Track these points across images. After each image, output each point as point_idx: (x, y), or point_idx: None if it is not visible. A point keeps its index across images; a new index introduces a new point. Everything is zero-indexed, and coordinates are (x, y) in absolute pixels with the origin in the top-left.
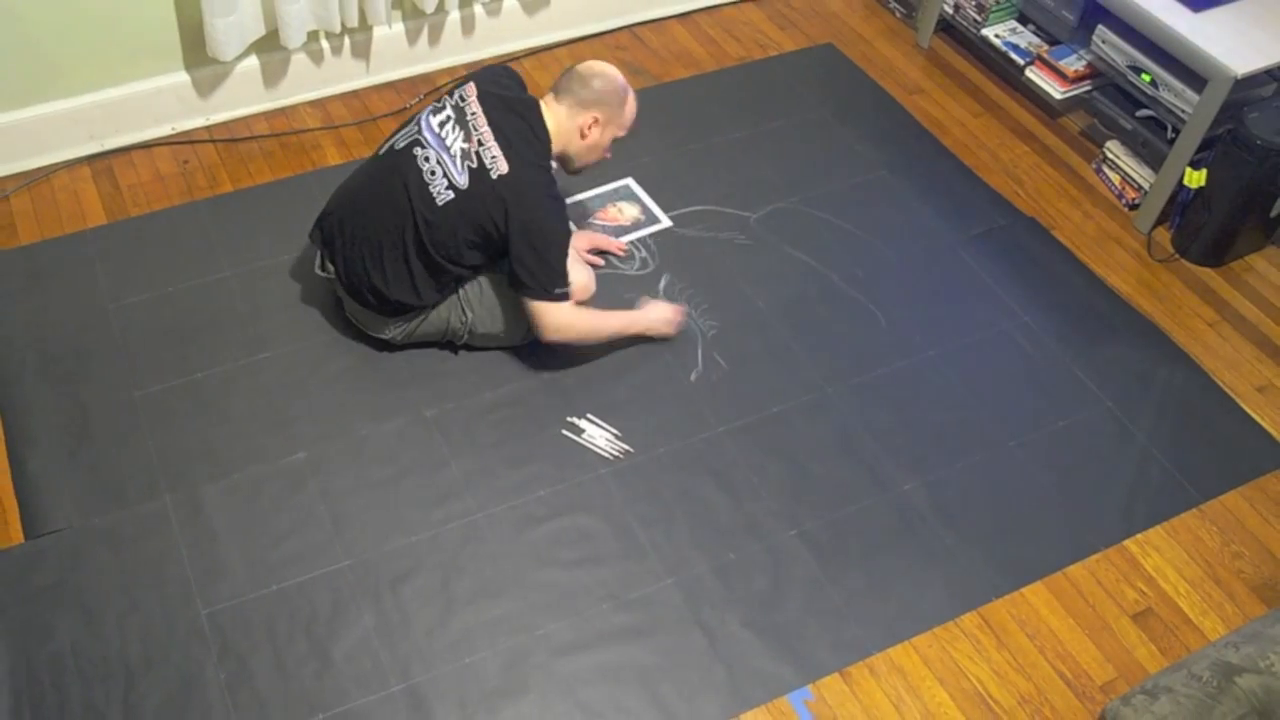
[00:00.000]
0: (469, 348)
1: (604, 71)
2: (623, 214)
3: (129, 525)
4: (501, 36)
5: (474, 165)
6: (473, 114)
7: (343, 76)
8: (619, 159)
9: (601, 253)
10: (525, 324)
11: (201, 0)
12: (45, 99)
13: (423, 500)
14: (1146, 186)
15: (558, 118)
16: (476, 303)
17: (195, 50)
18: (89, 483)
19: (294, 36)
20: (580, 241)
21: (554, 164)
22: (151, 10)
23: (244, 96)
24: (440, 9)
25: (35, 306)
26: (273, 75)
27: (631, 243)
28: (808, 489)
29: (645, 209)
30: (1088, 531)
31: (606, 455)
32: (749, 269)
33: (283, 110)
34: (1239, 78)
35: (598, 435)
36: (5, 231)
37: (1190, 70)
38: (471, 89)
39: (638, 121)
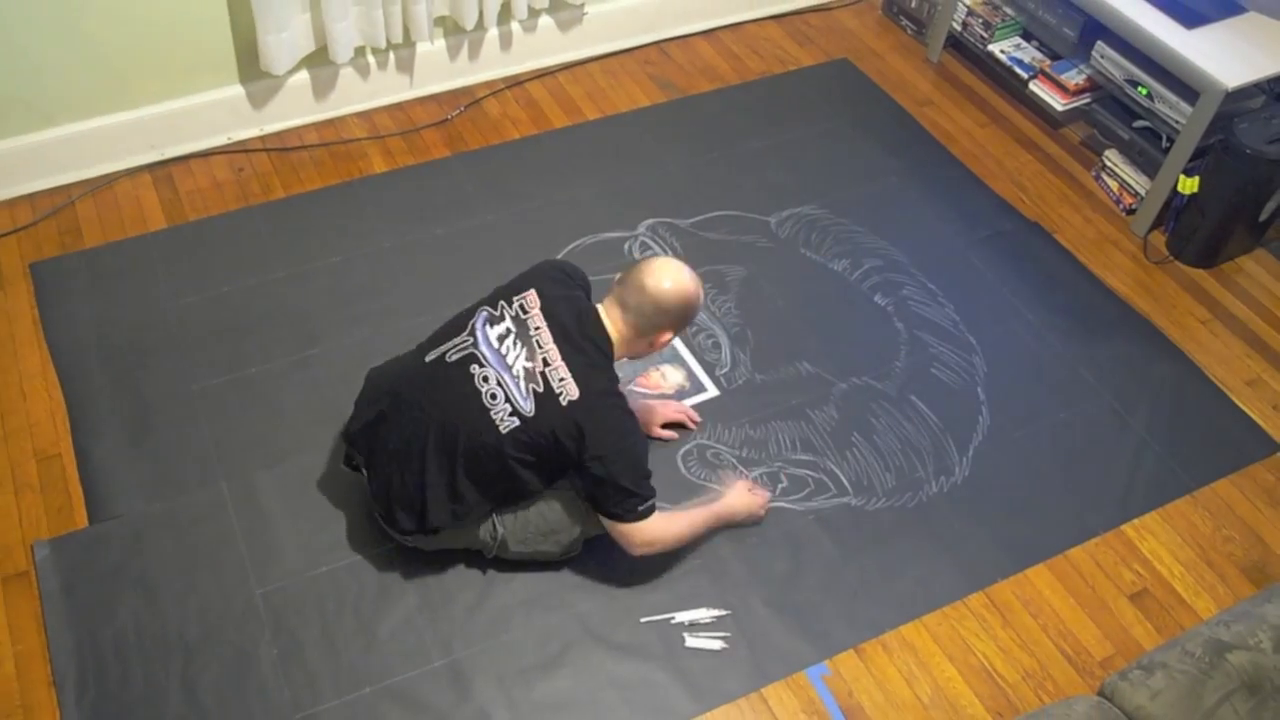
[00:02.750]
0: (500, 560)
1: (681, 288)
2: (666, 380)
3: (187, 510)
4: (537, 52)
5: (540, 390)
6: (536, 329)
7: (388, 89)
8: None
9: (676, 425)
10: (562, 546)
11: (255, 18)
12: (109, 111)
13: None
14: (1143, 193)
15: (623, 334)
16: (511, 520)
17: (249, 65)
18: (150, 470)
19: (342, 52)
20: (652, 418)
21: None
22: (209, 28)
23: (295, 108)
24: (479, 26)
25: (99, 306)
26: (322, 88)
27: (656, 243)
28: (825, 477)
29: (690, 374)
30: (1088, 516)
31: (716, 645)
32: (769, 270)
33: (331, 121)
34: (1230, 90)
35: (702, 631)
36: (71, 235)
37: (1184, 84)
38: (534, 298)
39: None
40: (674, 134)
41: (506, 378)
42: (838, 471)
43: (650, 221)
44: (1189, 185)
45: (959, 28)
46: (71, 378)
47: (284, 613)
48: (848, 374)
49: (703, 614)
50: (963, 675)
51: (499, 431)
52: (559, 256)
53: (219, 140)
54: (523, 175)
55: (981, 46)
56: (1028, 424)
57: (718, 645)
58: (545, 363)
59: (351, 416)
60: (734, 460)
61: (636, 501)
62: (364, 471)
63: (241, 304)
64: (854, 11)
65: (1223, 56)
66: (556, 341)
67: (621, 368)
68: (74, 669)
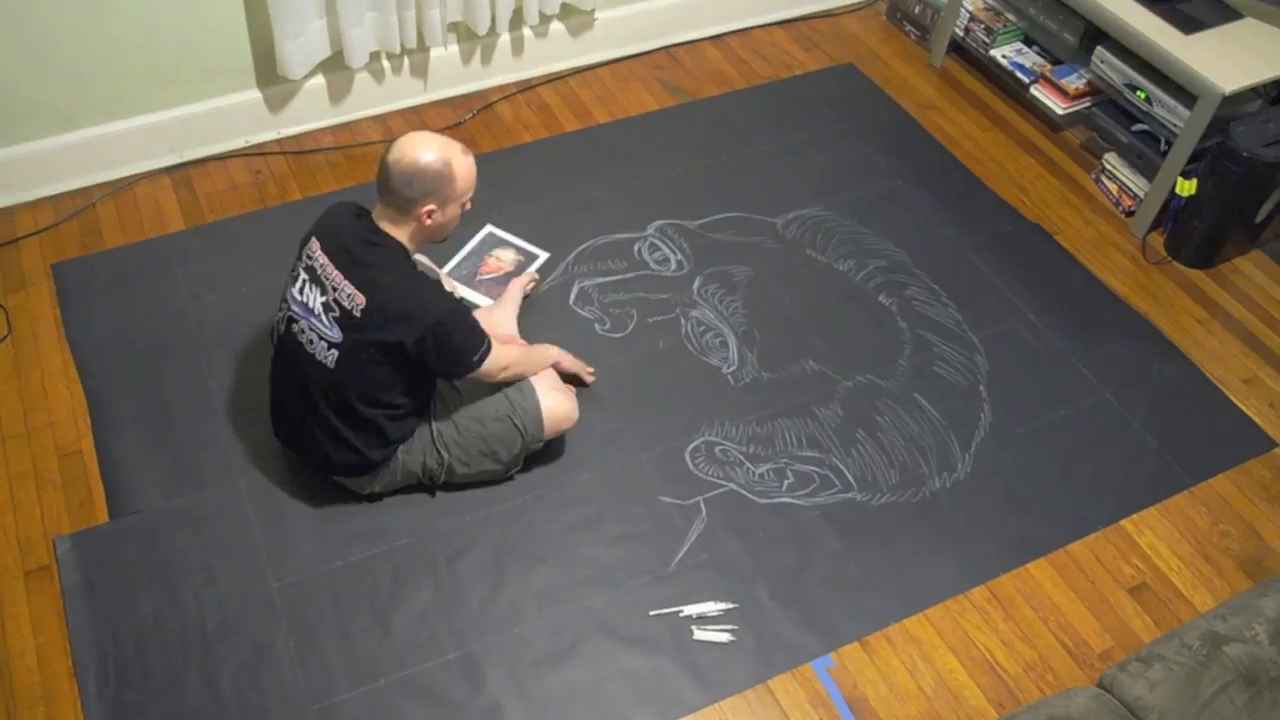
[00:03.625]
0: (448, 486)
1: (413, 156)
2: (503, 261)
3: (206, 506)
4: (548, 57)
5: (338, 314)
6: (322, 265)
7: (402, 94)
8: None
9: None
10: (504, 463)
11: (273, 24)
12: (130, 115)
13: (476, 482)
14: (1141, 195)
15: (395, 223)
16: (454, 444)
17: (267, 70)
18: (169, 466)
19: (358, 57)
20: (550, 374)
21: (419, 256)
22: (227, 34)
23: (311, 112)
24: (492, 31)
25: (120, 305)
26: (338, 92)
27: (665, 244)
28: (830, 473)
29: (519, 249)
30: (1087, 512)
31: (723, 638)
32: (775, 270)
33: (347, 125)
34: (1226, 95)
35: (710, 624)
36: (92, 236)
37: (1182, 88)
38: (315, 244)
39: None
40: (682, 137)
41: (312, 320)
42: (843, 467)
43: (659, 223)
44: (1187, 187)
45: (961, 33)
46: (92, 375)
47: (300, 606)
48: (853, 372)
49: (710, 607)
50: (965, 667)
51: (327, 367)
52: (570, 257)
53: (237, 143)
54: (534, 177)
55: (983, 51)
56: (1029, 421)
57: (725, 638)
58: (334, 289)
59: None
60: (741, 456)
61: (475, 348)
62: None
63: (259, 304)
64: (859, 17)
65: (1220, 61)
66: (340, 268)
67: (459, 265)
68: (94, 661)
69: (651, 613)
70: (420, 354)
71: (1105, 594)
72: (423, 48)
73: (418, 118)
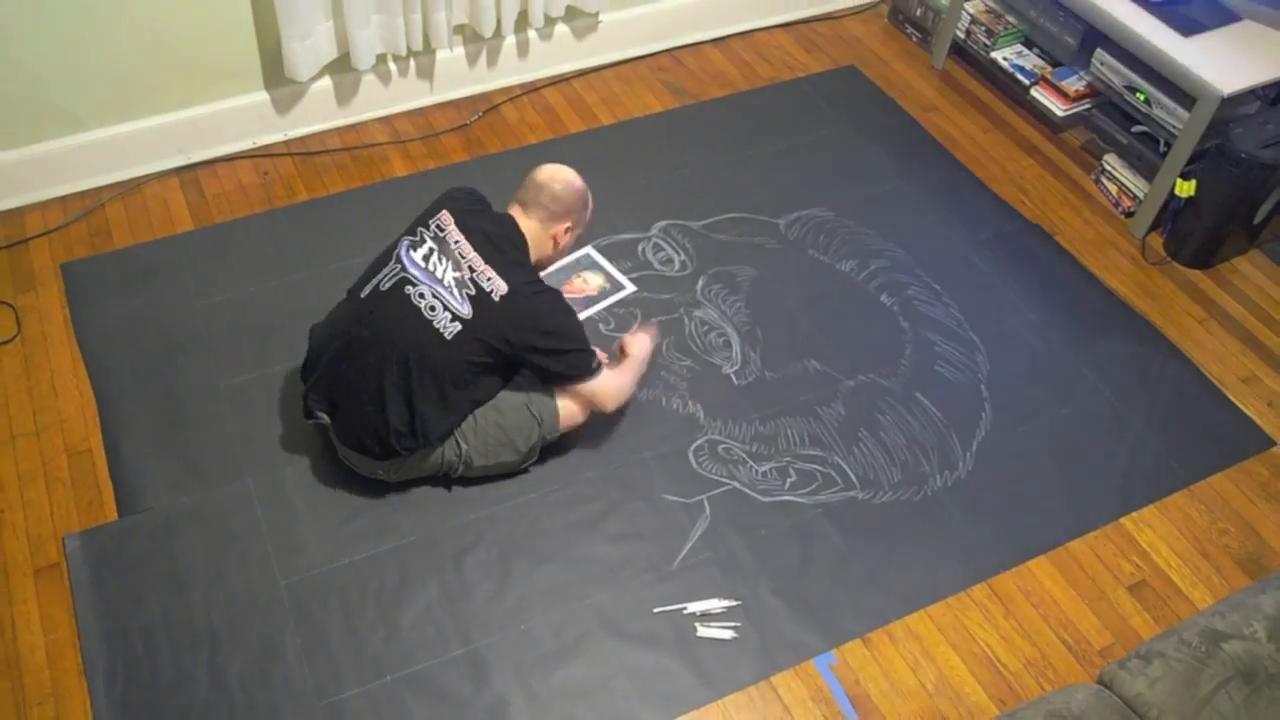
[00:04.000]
0: (464, 480)
1: (568, 179)
2: (588, 284)
3: (214, 504)
4: (553, 59)
5: (473, 292)
6: (456, 242)
7: (409, 95)
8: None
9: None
10: (521, 453)
11: (280, 26)
12: (138, 116)
13: (482, 480)
14: (1141, 196)
15: (531, 230)
16: (472, 435)
17: (274, 72)
18: (178, 465)
19: (364, 59)
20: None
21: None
22: (234, 36)
23: (318, 114)
24: (497, 34)
25: (129, 305)
26: (345, 94)
27: (669, 244)
28: (833, 472)
29: (609, 276)
30: (1087, 510)
31: (726, 635)
32: (778, 270)
33: (354, 126)
34: (1225, 96)
35: (713, 621)
36: (101, 237)
37: (1181, 90)
38: (447, 217)
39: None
40: (686, 139)
41: (440, 289)
42: (845, 466)
43: (663, 223)
44: (1186, 188)
45: (963, 35)
46: (101, 375)
47: (308, 603)
48: (855, 371)
49: (714, 604)
50: (966, 664)
51: (445, 338)
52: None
53: (245, 145)
54: None
55: (984, 54)
56: (1029, 420)
57: (728, 635)
58: (471, 269)
59: (305, 369)
60: (744, 455)
61: (590, 358)
62: (327, 418)
63: (266, 303)
64: (861, 20)
65: (1218, 63)
66: (477, 249)
67: (547, 278)
68: (104, 658)
69: (655, 610)
70: (534, 353)
71: (1105, 591)
72: (429, 50)
73: (424, 119)
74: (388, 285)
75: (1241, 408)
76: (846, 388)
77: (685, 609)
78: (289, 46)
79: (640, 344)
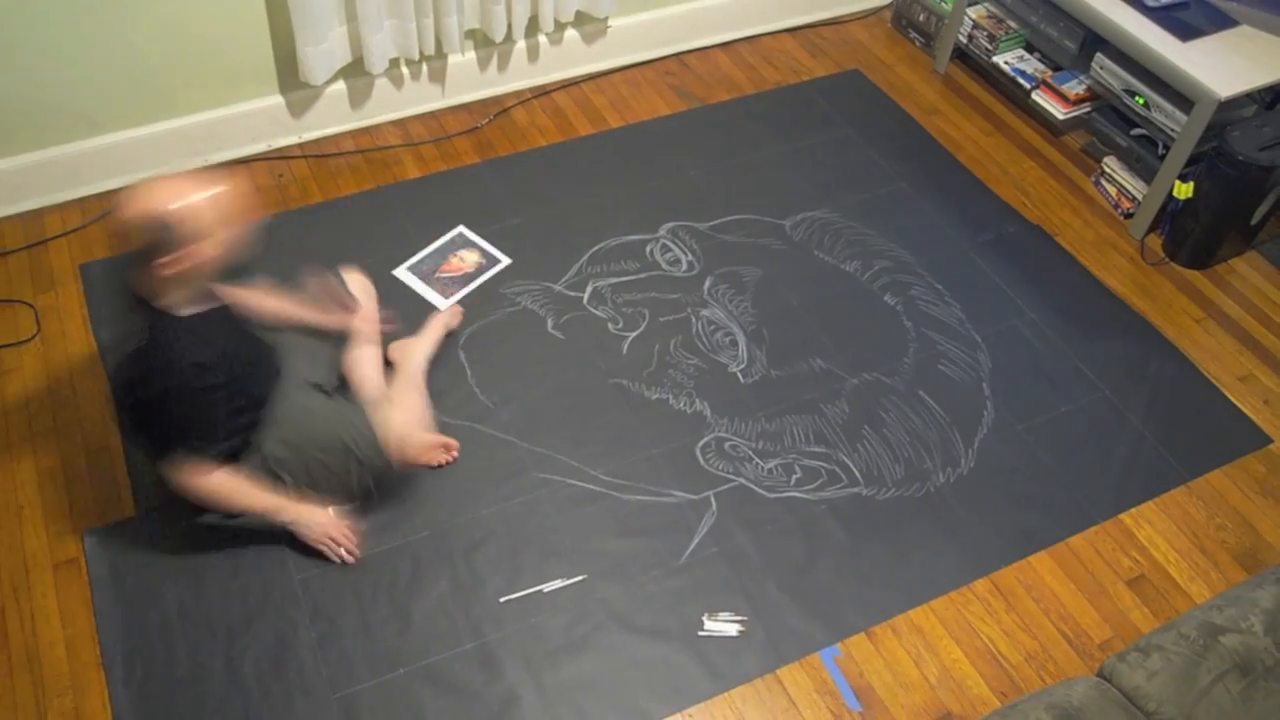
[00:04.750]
0: (373, 490)
1: (143, 213)
2: (465, 262)
3: None
4: (563, 63)
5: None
6: None
7: (421, 99)
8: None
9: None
10: (355, 491)
11: (295, 31)
12: (156, 119)
13: (492, 477)
14: (1140, 198)
15: (152, 275)
16: (300, 472)
17: (289, 76)
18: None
19: (377, 63)
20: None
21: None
22: (250, 40)
23: (332, 117)
24: (508, 38)
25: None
26: (358, 97)
27: (676, 245)
28: (837, 468)
29: (484, 253)
30: (1087, 506)
31: (733, 631)
32: (784, 270)
33: (367, 129)
34: (1223, 100)
35: (728, 626)
36: (119, 238)
37: (1179, 94)
38: None
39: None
40: (693, 141)
41: None
42: (849, 463)
43: (670, 224)
44: (1184, 190)
45: (965, 40)
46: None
47: (322, 597)
48: (859, 370)
49: (725, 619)
50: (968, 657)
51: None
52: (584, 258)
53: (260, 147)
54: (549, 180)
55: (986, 58)
56: (1030, 417)
57: (735, 629)
58: None
59: None
60: (750, 452)
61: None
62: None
63: None
64: (864, 25)
65: (1216, 68)
66: None
67: (422, 261)
68: (121, 651)
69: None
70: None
71: (1105, 586)
72: (440, 54)
73: (436, 122)
74: None
75: (1239, 405)
76: (851, 386)
77: (702, 628)
78: (304, 51)
79: (309, 510)
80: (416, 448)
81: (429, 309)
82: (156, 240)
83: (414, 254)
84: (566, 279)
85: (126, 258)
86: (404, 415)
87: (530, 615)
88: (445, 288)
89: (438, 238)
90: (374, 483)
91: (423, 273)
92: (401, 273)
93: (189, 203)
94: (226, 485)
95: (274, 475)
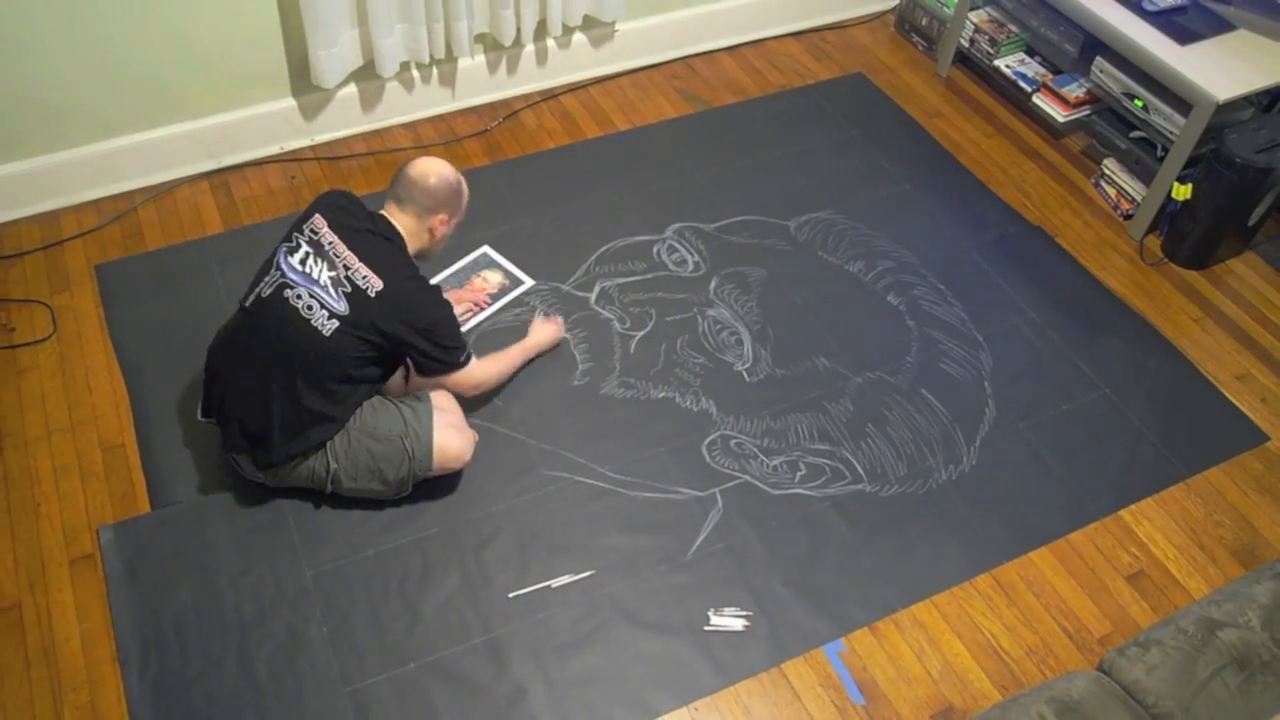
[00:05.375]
0: (336, 496)
1: (441, 172)
2: (488, 283)
3: (243, 497)
4: (571, 67)
5: (349, 290)
6: (330, 243)
7: (431, 102)
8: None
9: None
10: (387, 485)
11: (307, 35)
12: (170, 122)
13: (501, 474)
14: (1139, 199)
15: (407, 225)
16: (343, 455)
17: (301, 79)
18: (208, 459)
19: (388, 67)
20: (454, 412)
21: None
22: (263, 45)
23: (344, 119)
24: (517, 42)
25: (161, 304)
26: (369, 101)
27: (683, 246)
28: (841, 465)
29: (508, 274)
30: (1087, 502)
31: (739, 626)
32: (788, 271)
33: (378, 132)
34: (1220, 103)
35: (733, 621)
36: (134, 239)
37: (1177, 97)
38: (320, 220)
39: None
40: (699, 144)
41: (316, 289)
42: (853, 460)
43: (677, 225)
44: (1182, 192)
45: (967, 44)
46: (134, 372)
47: (333, 593)
48: (862, 369)
49: (731, 613)
50: (970, 651)
51: (323, 335)
52: (592, 258)
53: (272, 150)
54: (557, 182)
55: (988, 62)
56: (1031, 415)
57: (740, 624)
58: (346, 267)
59: (204, 388)
60: (755, 449)
61: (458, 353)
62: (217, 424)
63: None
64: (868, 29)
65: (1214, 71)
66: (352, 248)
67: (446, 280)
68: (136, 646)
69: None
70: (410, 346)
71: (1104, 581)
72: (450, 58)
73: (446, 125)
74: (268, 292)
75: (1236, 404)
76: (854, 384)
77: (709, 622)
78: (316, 55)
79: (540, 335)
80: (460, 464)
81: None
82: (446, 200)
83: (438, 272)
84: (575, 279)
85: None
86: (462, 442)
87: (538, 610)
88: (469, 309)
89: (462, 256)
90: (412, 483)
91: (446, 292)
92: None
93: (467, 187)
94: (493, 365)
95: (327, 458)
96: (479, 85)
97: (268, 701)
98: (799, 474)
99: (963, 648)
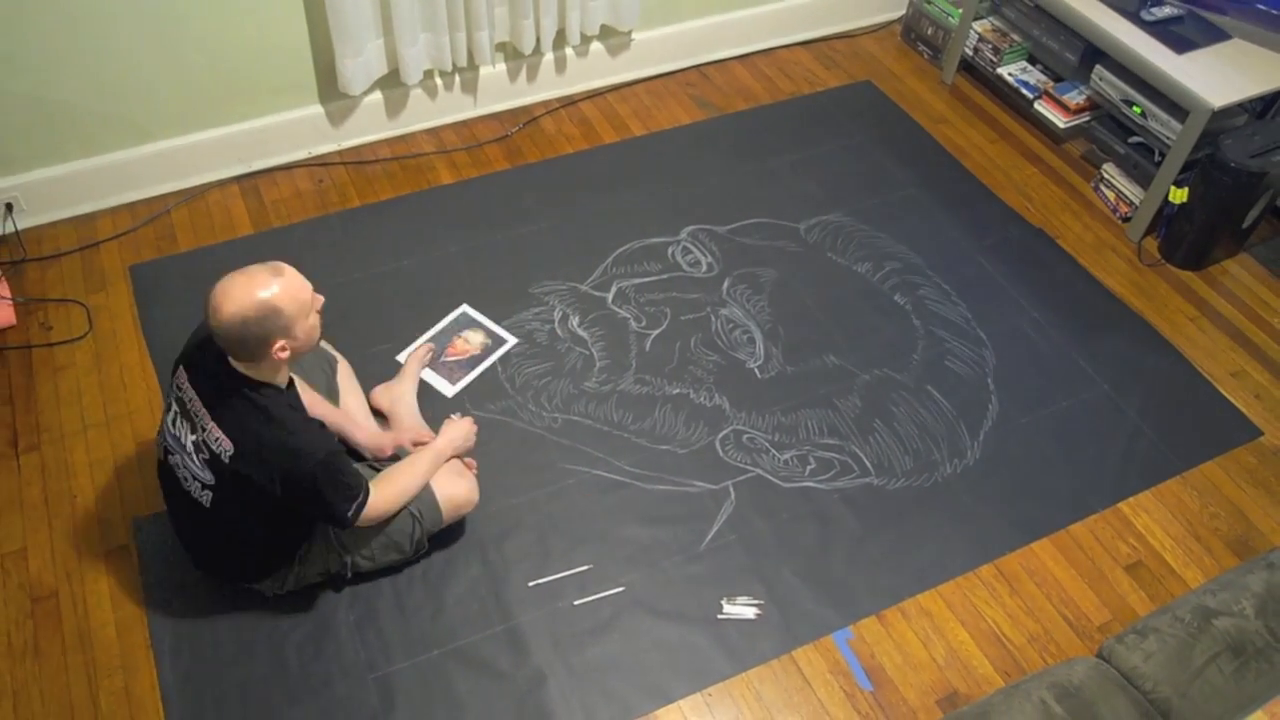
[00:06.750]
0: (359, 579)
1: (237, 311)
2: (470, 343)
3: None
4: (588, 75)
5: (207, 456)
6: (191, 400)
7: (454, 108)
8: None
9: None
10: (406, 552)
11: (334, 44)
12: (202, 128)
13: (522, 468)
14: (1137, 202)
15: (250, 370)
16: (352, 544)
17: (328, 86)
18: None
19: (413, 74)
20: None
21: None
22: (292, 53)
23: (370, 125)
24: (537, 51)
25: (193, 304)
26: (394, 107)
27: (697, 247)
28: (849, 459)
29: (490, 332)
30: (1087, 495)
31: (751, 614)
32: (799, 271)
33: (403, 137)
34: (1216, 109)
35: (746, 610)
36: (167, 241)
37: (1174, 104)
38: (182, 375)
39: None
40: (713, 149)
41: (185, 458)
42: (861, 454)
43: (691, 228)
44: (1179, 195)
45: (971, 53)
46: (167, 369)
47: (360, 582)
48: (870, 366)
49: (743, 602)
50: (974, 639)
51: (205, 507)
52: (609, 259)
53: (301, 154)
54: (576, 186)
55: (991, 69)
56: (1033, 411)
57: (752, 612)
58: (203, 429)
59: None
60: (767, 444)
61: (346, 500)
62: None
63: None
64: (875, 38)
65: (1209, 79)
66: (206, 404)
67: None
68: (169, 633)
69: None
70: (292, 502)
71: (1104, 571)
72: (472, 66)
73: (468, 131)
74: (161, 455)
75: (1231, 400)
76: (862, 381)
77: (721, 611)
78: (342, 63)
79: (455, 430)
80: (471, 506)
81: (434, 395)
82: (269, 327)
83: (417, 337)
84: (592, 279)
85: (224, 345)
86: (467, 485)
87: (557, 600)
88: (451, 372)
89: (441, 317)
90: (428, 539)
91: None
92: (405, 358)
93: (281, 286)
94: (395, 486)
95: (338, 554)
96: (500, 92)
97: (295, 687)
98: (809, 468)
99: (967, 635)
